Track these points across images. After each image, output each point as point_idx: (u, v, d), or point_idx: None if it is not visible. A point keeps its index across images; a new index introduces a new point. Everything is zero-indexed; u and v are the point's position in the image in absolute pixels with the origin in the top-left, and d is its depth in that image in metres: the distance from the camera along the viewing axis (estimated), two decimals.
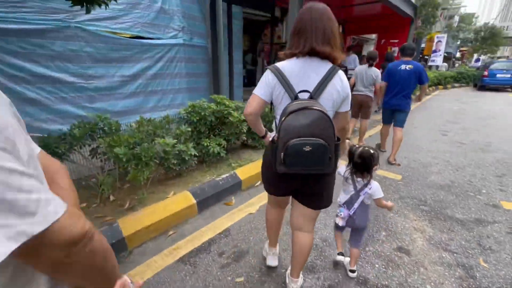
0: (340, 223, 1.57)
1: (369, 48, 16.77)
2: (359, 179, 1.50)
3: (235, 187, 2.63)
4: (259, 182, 2.77)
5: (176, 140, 2.36)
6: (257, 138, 3.47)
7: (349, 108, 1.25)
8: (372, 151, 1.46)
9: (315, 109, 1.02)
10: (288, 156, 1.04)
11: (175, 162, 2.35)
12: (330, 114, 1.15)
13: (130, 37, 3.18)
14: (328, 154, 1.04)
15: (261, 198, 2.53)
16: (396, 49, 9.35)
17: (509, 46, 31.73)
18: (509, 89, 13.78)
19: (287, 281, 1.54)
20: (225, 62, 4.35)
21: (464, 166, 3.45)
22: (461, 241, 2.00)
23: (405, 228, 2.14)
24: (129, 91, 3.30)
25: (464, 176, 3.14)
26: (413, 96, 4.11)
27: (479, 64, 23.55)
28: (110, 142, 2.06)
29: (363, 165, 1.46)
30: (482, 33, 20.20)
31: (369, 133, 5.03)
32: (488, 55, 23.93)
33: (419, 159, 3.71)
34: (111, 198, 2.19)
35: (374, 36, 16.05)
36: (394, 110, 3.59)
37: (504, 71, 13.55)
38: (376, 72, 3.89)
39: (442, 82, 14.87)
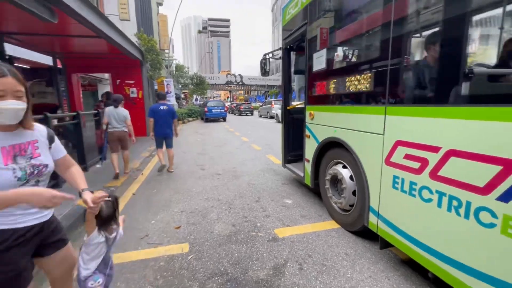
0: None
1: (105, 88, 15.47)
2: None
3: None
4: None
5: None
6: None
7: None
8: (110, 198, 1.24)
9: None
10: None
11: None
12: None
13: None
14: None
15: None
16: (135, 89, 9.08)
17: (211, 89, 44.92)
18: (222, 120, 19.04)
19: None
20: None
21: (232, 200, 3.55)
22: None
23: None
24: None
25: (238, 213, 3.15)
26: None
27: (199, 102, 30.91)
28: None
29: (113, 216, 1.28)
30: (195, 80, 26.63)
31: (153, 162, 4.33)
32: (202, 96, 32.20)
33: (195, 208, 3.33)
34: None
35: (107, 75, 14.99)
36: (164, 137, 4.96)
37: (215, 107, 18.48)
38: (125, 112, 4.51)
39: (180, 118, 17.24)
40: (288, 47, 3.93)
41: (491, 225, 1.28)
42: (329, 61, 2.76)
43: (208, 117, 18.09)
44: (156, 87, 17.97)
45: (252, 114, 26.66)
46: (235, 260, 2.22)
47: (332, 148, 2.85)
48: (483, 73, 1.43)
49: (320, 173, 3.16)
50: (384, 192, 2.03)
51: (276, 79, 52.05)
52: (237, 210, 3.23)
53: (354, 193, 2.53)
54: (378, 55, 2.05)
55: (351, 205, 2.59)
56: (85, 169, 4.79)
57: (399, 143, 1.84)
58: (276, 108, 18.33)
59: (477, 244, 1.36)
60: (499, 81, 1.42)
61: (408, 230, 1.81)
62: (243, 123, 16.73)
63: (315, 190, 3.57)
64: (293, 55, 4.20)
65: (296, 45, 3.92)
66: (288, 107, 4.11)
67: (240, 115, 26.47)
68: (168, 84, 17.44)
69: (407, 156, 1.77)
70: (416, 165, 1.70)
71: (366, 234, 2.51)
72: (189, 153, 6.98)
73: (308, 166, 3.34)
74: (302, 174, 3.60)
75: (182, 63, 31.56)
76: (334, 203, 2.87)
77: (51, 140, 1.25)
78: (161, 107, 4.81)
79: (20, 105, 1.05)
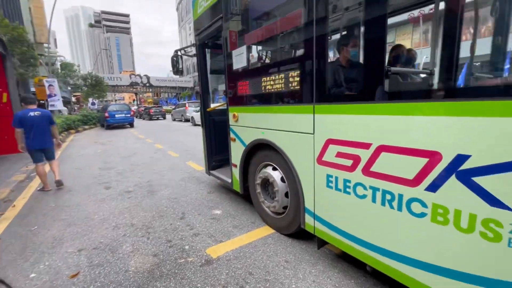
0: None
1: None
2: None
3: None
4: None
5: None
6: None
7: None
8: None
9: None
10: None
11: None
12: None
13: None
14: None
15: None
16: None
17: (111, 91, 39.16)
18: (128, 126, 16.74)
19: None
20: None
21: (150, 223, 2.95)
22: None
23: None
24: None
25: (160, 238, 2.62)
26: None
27: (96, 106, 26.31)
28: None
29: None
30: (89, 80, 22.46)
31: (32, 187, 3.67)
32: (100, 99, 27.56)
33: (99, 241, 2.58)
34: None
35: None
36: (42, 150, 4.17)
37: (119, 111, 16.09)
38: None
39: (72, 126, 14.18)
40: (202, 43, 3.59)
41: (422, 215, 1.35)
42: (252, 59, 2.60)
43: (110, 124, 15.53)
44: (33, 89, 14.14)
45: (164, 118, 24.68)
46: None
47: (261, 150, 2.71)
48: (398, 71, 1.52)
49: (250, 177, 2.98)
50: (318, 192, 1.99)
51: (188, 80, 50.18)
52: (158, 234, 2.69)
53: (287, 195, 2.45)
54: (304, 53, 2.00)
55: (285, 208, 2.50)
56: None
57: (330, 141, 1.82)
58: (191, 111, 17.53)
59: (410, 233, 1.42)
60: (412, 80, 1.54)
61: (345, 227, 1.81)
62: (155, 128, 15.17)
63: (244, 196, 3.38)
64: (209, 53, 3.89)
65: (211, 41, 3.63)
66: (208, 109, 3.78)
67: (151, 119, 24.09)
68: (50, 85, 14.00)
69: (339, 154, 1.76)
70: (348, 162, 1.70)
71: (301, 234, 2.48)
72: (87, 169, 5.65)
73: (236, 171, 3.11)
74: (229, 180, 3.34)
75: (71, 60, 26.09)
76: (267, 208, 2.75)
77: None
78: (31, 113, 4.02)
79: None
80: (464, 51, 2.59)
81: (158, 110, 24.45)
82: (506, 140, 1.04)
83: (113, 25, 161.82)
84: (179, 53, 3.97)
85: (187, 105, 18.78)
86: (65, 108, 19.24)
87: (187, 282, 1.95)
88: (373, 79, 1.56)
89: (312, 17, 1.84)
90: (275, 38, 2.48)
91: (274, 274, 2.00)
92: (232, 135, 3.07)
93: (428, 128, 1.29)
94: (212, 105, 3.93)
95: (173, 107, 25.96)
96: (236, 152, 3.04)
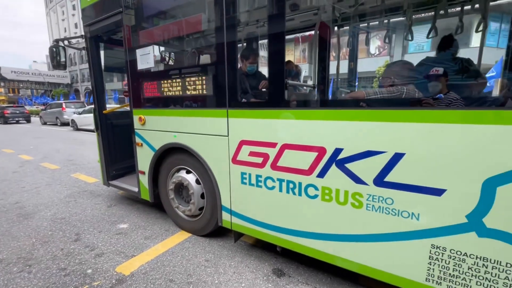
0: None
1: None
2: None
3: None
4: None
5: None
6: None
7: None
8: None
9: None
10: None
11: None
12: None
13: None
14: None
15: None
16: None
17: None
18: None
19: None
20: None
21: (30, 253, 2.35)
22: None
23: None
24: None
25: (48, 268, 2.13)
26: None
27: None
28: None
29: None
30: None
31: None
32: None
33: None
34: None
35: None
36: None
37: None
38: None
39: None
40: (95, 36, 3.15)
41: (315, 196, 1.74)
42: (162, 60, 2.52)
43: None
44: None
45: (28, 121, 19.29)
46: None
47: (172, 154, 2.66)
48: (293, 84, 1.89)
49: (160, 183, 2.85)
50: (234, 189, 2.17)
51: (62, 75, 41.04)
52: (45, 265, 2.19)
53: (202, 196, 2.52)
54: (216, 59, 2.13)
55: (201, 209, 2.56)
56: None
57: (243, 142, 2.03)
58: (70, 113, 14.52)
59: (308, 212, 1.80)
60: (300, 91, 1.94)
61: (258, 217, 2.07)
62: (14, 135, 11.67)
63: (153, 204, 3.18)
64: (102, 48, 3.44)
65: (107, 35, 3.23)
66: (104, 111, 3.33)
67: (6, 123, 18.32)
68: None
69: (251, 153, 2.00)
70: (259, 160, 1.96)
71: (216, 232, 2.60)
72: None
73: (144, 179, 2.90)
74: (136, 189, 3.07)
75: None
76: (182, 212, 2.71)
77: None
78: None
79: None
80: (332, 70, 3.41)
81: (18, 111, 18.87)
82: (362, 136, 1.52)
83: None
84: (61, 43, 3.31)
85: (64, 106, 15.42)
86: None
87: None
88: (277, 89, 1.87)
89: (223, 23, 2.00)
90: (187, 39, 2.51)
91: (196, 275, 2.04)
92: (138, 140, 2.85)
93: (316, 129, 1.68)
94: (109, 107, 3.49)
95: (43, 107, 20.67)
96: (144, 158, 2.84)
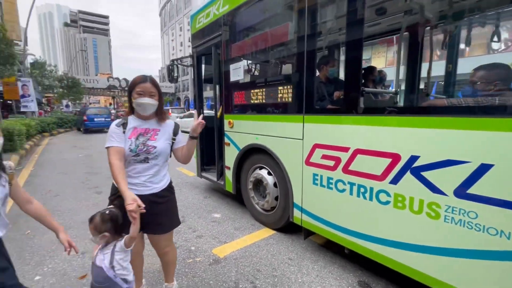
0: None
1: None
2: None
3: None
4: None
5: None
6: None
7: None
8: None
9: None
10: None
11: None
12: None
13: None
14: None
15: None
16: None
17: (87, 94, 37.64)
18: (107, 130, 16.27)
19: None
20: None
21: None
22: None
23: None
24: None
25: None
26: None
27: (70, 109, 25.17)
28: None
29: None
30: (65, 82, 21.57)
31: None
32: (76, 101, 26.45)
33: None
34: None
35: None
36: None
37: (98, 115, 15.65)
38: None
39: (47, 129, 13.60)
40: (200, 55, 3.91)
41: (387, 203, 1.75)
42: (250, 73, 2.96)
43: (89, 127, 15.04)
44: (0, 88, 13.34)
45: None
46: None
47: (254, 154, 3.05)
48: (370, 91, 1.95)
49: (242, 178, 3.29)
50: (306, 189, 2.36)
51: (168, 86, 49.57)
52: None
53: (277, 193, 2.79)
54: (294, 68, 2.40)
55: (274, 206, 2.84)
56: None
57: (316, 146, 2.20)
58: (174, 117, 17.49)
59: (378, 218, 1.82)
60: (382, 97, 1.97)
61: (328, 217, 2.18)
62: None
63: (240, 200, 3.64)
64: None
65: (208, 54, 3.96)
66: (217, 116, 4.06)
67: None
68: (24, 85, 13.41)
69: (324, 156, 2.14)
70: (331, 163, 2.09)
71: (291, 229, 2.80)
72: (72, 174, 5.61)
73: (229, 173, 3.41)
74: (222, 182, 3.62)
75: (42, 60, 24.78)
76: (258, 205, 3.06)
77: (175, 133, 1.68)
78: None
79: (152, 101, 1.51)
80: (424, 74, 3.14)
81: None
82: (442, 145, 1.47)
83: (91, 25, 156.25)
84: (175, 62, 4.25)
85: (170, 111, 18.70)
86: (40, 111, 18.30)
87: (199, 280, 2.14)
88: (352, 96, 1.97)
89: (302, 34, 2.24)
90: (271, 52, 2.88)
91: (280, 270, 2.25)
92: (227, 140, 3.38)
93: (391, 136, 1.70)
94: (207, 112, 4.23)
95: None
96: (230, 156, 3.34)
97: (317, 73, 2.63)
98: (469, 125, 1.36)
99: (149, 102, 1.50)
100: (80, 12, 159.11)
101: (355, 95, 1.93)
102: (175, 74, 4.30)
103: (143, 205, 1.34)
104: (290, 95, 2.43)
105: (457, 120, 1.41)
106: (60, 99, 25.01)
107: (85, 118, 14.78)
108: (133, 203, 1.30)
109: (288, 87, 2.45)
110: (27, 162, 6.86)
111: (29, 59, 22.59)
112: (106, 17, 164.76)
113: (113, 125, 1.55)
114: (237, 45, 3.16)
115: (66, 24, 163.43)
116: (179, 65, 4.35)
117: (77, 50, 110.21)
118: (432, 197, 1.53)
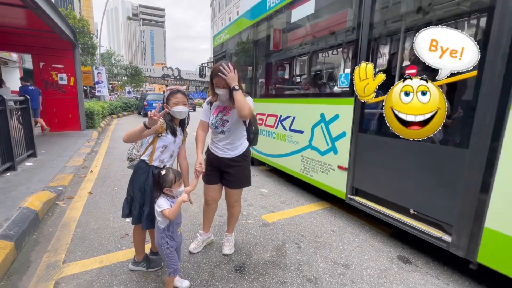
0: None
1: (12, 72, 12.72)
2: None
3: None
4: None
5: None
6: None
7: None
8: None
9: None
10: None
11: None
12: None
13: None
14: None
15: None
16: (65, 75, 7.75)
17: (146, 82, 41.32)
18: None
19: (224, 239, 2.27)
20: None
21: None
22: None
23: None
24: None
25: (220, 205, 3.12)
26: None
27: (132, 95, 27.93)
28: None
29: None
30: (130, 70, 24.04)
31: (99, 159, 3.56)
32: (137, 88, 29.29)
33: None
34: None
35: (15, 57, 12.34)
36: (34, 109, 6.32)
37: (156, 100, 17.14)
38: None
39: (115, 112, 15.45)
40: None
41: (275, 137, 3.42)
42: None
43: (148, 111, 16.59)
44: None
45: (194, 110, 25.77)
46: (236, 248, 2.24)
47: None
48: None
49: None
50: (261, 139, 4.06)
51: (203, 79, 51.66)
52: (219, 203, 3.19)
53: None
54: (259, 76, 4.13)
55: None
56: (13, 168, 3.92)
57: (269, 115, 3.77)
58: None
59: (273, 145, 3.74)
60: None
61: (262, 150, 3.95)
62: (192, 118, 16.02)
63: (286, 178, 3.85)
64: None
65: None
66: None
67: None
68: (99, 72, 15.37)
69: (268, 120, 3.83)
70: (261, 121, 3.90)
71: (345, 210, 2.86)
72: None
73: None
74: None
75: (109, 51, 27.69)
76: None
77: None
78: (30, 87, 6.77)
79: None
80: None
81: (189, 103, 25.53)
82: (285, 110, 3.40)
83: (149, 18, 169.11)
84: (204, 65, 6.46)
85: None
86: (109, 96, 20.73)
87: (252, 236, 2.43)
88: (268, 85, 3.00)
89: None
90: (248, 71, 4.69)
91: (323, 238, 2.42)
92: None
93: (275, 106, 3.67)
94: None
95: (204, 100, 26.84)
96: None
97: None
98: (291, 101, 3.42)
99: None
100: (140, 6, 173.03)
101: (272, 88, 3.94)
102: (203, 73, 6.39)
103: (203, 170, 1.91)
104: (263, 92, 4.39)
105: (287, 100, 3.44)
106: (123, 86, 27.99)
107: (145, 103, 16.38)
108: (199, 164, 1.88)
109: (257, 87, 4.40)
110: (104, 137, 7.98)
111: (101, 50, 25.59)
112: (162, 9, 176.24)
113: (205, 102, 2.06)
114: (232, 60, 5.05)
115: (129, 18, 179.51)
116: (206, 67, 6.41)
117: (138, 42, 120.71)
118: (284, 132, 3.47)
